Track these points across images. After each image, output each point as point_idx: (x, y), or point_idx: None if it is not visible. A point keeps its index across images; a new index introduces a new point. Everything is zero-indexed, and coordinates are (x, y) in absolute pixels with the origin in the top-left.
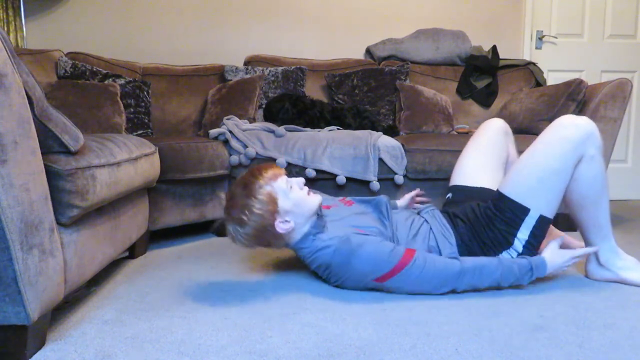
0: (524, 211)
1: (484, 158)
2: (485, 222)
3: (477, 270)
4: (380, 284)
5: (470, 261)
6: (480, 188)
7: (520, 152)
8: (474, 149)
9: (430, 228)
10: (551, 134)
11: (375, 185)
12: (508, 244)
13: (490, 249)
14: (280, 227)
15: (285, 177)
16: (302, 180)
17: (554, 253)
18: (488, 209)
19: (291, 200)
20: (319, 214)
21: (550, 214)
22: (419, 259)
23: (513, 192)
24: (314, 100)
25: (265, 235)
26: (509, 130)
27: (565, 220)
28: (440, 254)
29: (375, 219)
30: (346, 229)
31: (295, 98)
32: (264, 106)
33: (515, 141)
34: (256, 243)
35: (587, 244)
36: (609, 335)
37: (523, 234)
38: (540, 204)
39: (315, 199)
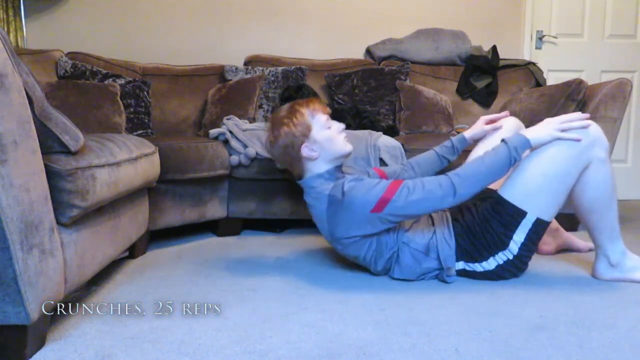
0: (521, 214)
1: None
2: (482, 223)
3: (467, 180)
4: (377, 214)
5: (459, 178)
6: None
7: None
8: (482, 148)
9: (434, 231)
10: None
11: None
12: (504, 245)
13: (486, 249)
14: (305, 151)
15: (328, 116)
16: (343, 126)
17: (539, 126)
18: (485, 210)
19: (325, 134)
20: (340, 166)
21: (548, 217)
22: (408, 182)
23: (511, 194)
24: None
25: (289, 153)
26: (523, 128)
27: (568, 220)
28: (437, 251)
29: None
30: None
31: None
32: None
33: None
34: (281, 158)
35: (597, 246)
36: (609, 335)
37: (519, 236)
38: (538, 207)
39: (347, 146)
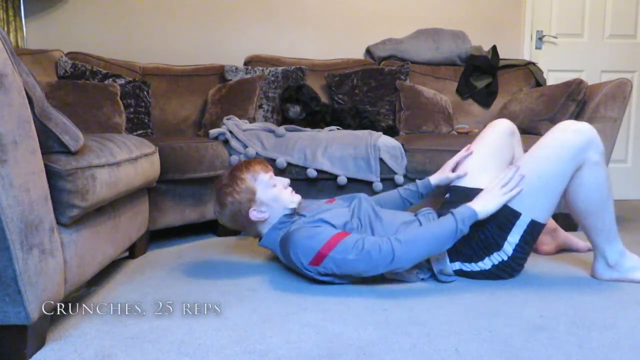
0: (515, 215)
1: (485, 159)
2: (477, 224)
3: (408, 247)
4: (316, 267)
5: (400, 245)
6: (478, 189)
7: (525, 152)
8: (476, 149)
9: None
10: (551, 139)
11: (378, 185)
12: (498, 246)
13: (480, 251)
14: (254, 214)
15: (271, 174)
16: (287, 180)
17: (484, 197)
18: None
19: (270, 194)
20: (291, 213)
21: (543, 219)
22: (349, 238)
23: None
24: (320, 101)
25: (239, 219)
26: (516, 131)
27: (566, 220)
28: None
29: (346, 212)
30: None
31: (303, 102)
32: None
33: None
34: (233, 225)
35: (594, 247)
36: (609, 335)
37: (514, 237)
38: (533, 209)
39: (294, 198)
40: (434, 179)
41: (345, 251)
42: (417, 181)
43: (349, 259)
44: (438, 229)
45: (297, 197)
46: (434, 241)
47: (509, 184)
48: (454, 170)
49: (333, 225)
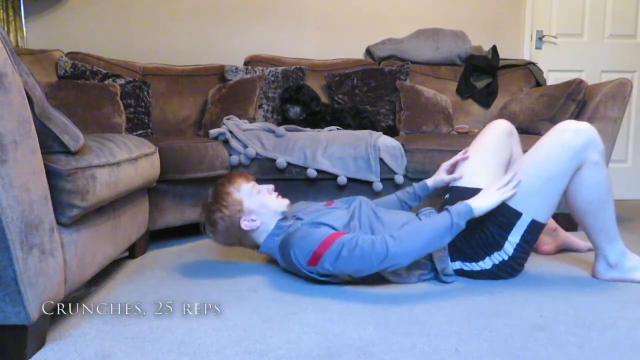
0: (516, 215)
1: (484, 160)
2: (477, 223)
3: (403, 243)
4: (314, 267)
5: (394, 240)
6: (478, 189)
7: (524, 152)
8: (475, 150)
9: None
10: (551, 139)
11: (378, 185)
12: (499, 246)
13: (481, 250)
14: (246, 224)
15: (253, 183)
16: (271, 186)
17: (481, 195)
18: None
19: (257, 201)
20: (285, 217)
21: (543, 219)
22: (344, 237)
23: None
24: (320, 101)
25: (233, 233)
26: (514, 131)
27: (566, 220)
28: (430, 253)
29: (345, 214)
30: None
31: (303, 102)
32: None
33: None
34: (229, 241)
35: (595, 246)
36: (609, 335)
37: (514, 237)
38: (534, 209)
39: (282, 202)
40: (431, 181)
41: (339, 249)
42: (414, 184)
43: (342, 256)
44: (433, 224)
45: (285, 201)
46: (429, 236)
47: (507, 185)
48: (451, 172)
49: (334, 228)
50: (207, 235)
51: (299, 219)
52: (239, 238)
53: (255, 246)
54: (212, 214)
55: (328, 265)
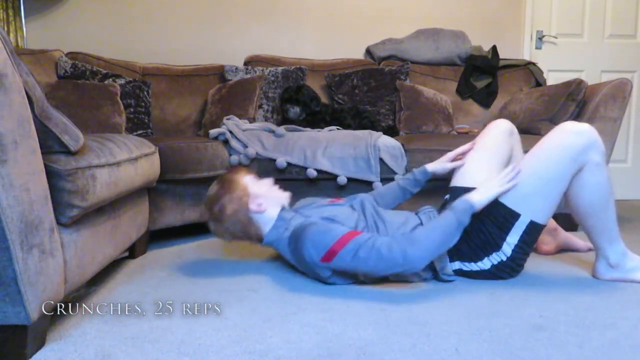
0: (515, 216)
1: (485, 160)
2: (476, 223)
3: (419, 251)
4: (327, 264)
5: (414, 248)
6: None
7: (525, 152)
8: (475, 150)
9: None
10: (551, 140)
11: (378, 185)
12: (497, 247)
13: (479, 251)
14: (253, 206)
15: (254, 175)
16: (271, 179)
17: (482, 188)
18: (480, 211)
19: (261, 187)
20: (286, 209)
21: (542, 220)
22: (360, 237)
23: (506, 196)
24: (320, 102)
25: (240, 217)
26: (515, 131)
27: (566, 220)
28: None
29: (352, 213)
30: (310, 219)
31: (303, 102)
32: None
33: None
34: (236, 228)
35: (596, 247)
36: (609, 335)
37: (512, 238)
38: (533, 210)
39: (284, 193)
40: (431, 166)
41: (355, 248)
42: (414, 169)
43: (359, 256)
44: (441, 226)
45: (287, 193)
46: (441, 238)
47: (506, 177)
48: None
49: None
50: (211, 228)
51: (300, 213)
52: (245, 226)
53: (259, 238)
54: (219, 200)
55: (343, 263)
